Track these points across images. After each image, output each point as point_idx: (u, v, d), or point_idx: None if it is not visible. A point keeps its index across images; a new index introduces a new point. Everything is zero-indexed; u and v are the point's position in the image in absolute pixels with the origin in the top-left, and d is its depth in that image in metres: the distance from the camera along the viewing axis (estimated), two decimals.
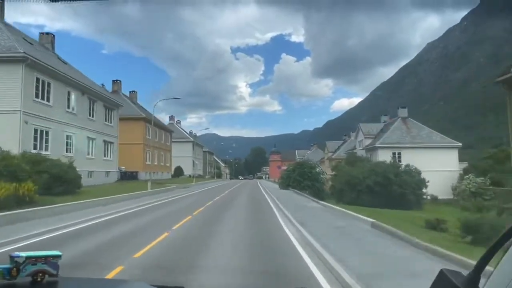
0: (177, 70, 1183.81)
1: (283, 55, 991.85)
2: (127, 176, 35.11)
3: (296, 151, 72.63)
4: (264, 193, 31.00)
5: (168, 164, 51.80)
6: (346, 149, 61.65)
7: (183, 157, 58.30)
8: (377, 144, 40.80)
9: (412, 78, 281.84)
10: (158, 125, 47.02)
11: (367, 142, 45.87)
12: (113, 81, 44.41)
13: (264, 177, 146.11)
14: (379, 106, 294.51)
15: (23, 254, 1.36)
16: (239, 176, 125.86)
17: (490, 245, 0.82)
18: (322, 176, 39.25)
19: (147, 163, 40.90)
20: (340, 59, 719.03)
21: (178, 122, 70.69)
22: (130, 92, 47.65)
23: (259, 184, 50.37)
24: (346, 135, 72.01)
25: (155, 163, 44.00)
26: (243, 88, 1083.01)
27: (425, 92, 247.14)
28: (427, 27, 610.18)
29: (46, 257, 1.39)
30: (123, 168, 35.33)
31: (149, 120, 39.11)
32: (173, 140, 54.14)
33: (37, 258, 1.37)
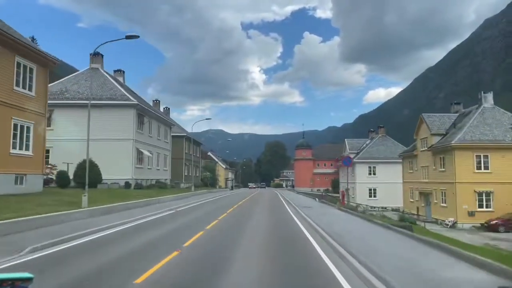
0: (174, 51, 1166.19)
1: (306, 34, 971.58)
2: None
3: (346, 141, 61.79)
4: None
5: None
6: None
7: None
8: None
9: (466, 62, 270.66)
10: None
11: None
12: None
13: (285, 184, 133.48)
14: (424, 96, 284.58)
15: None
16: (248, 184, 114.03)
17: None
18: None
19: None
20: (376, 39, 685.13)
21: (167, 109, 60.94)
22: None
23: (288, 209, 28.95)
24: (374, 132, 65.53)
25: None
26: (256, 74, 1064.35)
27: (484, 78, 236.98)
28: (482, 1, 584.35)
29: (14, 280, 1.49)
30: None
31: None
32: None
33: (3, 281, 1.47)
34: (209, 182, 70.01)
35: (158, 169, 43.14)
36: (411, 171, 43.09)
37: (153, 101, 56.01)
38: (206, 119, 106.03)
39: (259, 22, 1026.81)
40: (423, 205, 39.88)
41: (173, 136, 50.45)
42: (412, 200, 42.88)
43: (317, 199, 39.55)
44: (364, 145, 59.18)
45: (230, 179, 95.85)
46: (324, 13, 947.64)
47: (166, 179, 45.22)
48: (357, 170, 55.05)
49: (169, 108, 60.06)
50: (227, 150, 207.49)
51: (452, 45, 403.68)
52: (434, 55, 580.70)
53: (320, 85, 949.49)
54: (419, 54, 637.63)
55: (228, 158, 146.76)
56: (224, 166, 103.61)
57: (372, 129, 64.58)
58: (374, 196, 53.93)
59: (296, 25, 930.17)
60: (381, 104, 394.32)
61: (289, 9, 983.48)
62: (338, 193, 74.65)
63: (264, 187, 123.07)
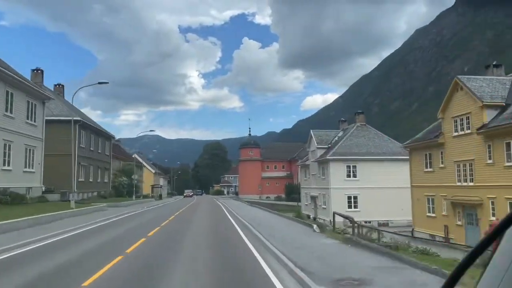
0: (107, 53, 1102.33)
1: (245, 40, 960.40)
2: None
3: (312, 132, 43.99)
4: None
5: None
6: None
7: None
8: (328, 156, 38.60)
9: (399, 70, 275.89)
10: None
11: (321, 152, 42.51)
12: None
13: (227, 191, 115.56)
14: (360, 103, 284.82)
15: None
16: (185, 191, 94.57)
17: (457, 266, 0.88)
18: None
19: None
20: (313, 46, 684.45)
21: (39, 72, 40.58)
22: None
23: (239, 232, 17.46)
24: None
25: None
26: (195, 78, 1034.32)
27: (415, 86, 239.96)
28: (413, 11, 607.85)
29: None
30: None
31: None
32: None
33: None
34: (126, 190, 50.38)
35: (9, 170, 23.75)
36: (430, 169, 27.39)
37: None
38: (150, 130, 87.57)
39: (197, 26, 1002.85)
40: (459, 223, 24.24)
41: (54, 120, 31.18)
42: (432, 214, 27.13)
43: (314, 227, 19.24)
44: (336, 138, 43.22)
45: (157, 186, 75.71)
46: (263, 19, 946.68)
47: (30, 187, 25.91)
48: (331, 171, 38.80)
49: (42, 71, 37.00)
50: (163, 155, 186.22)
51: (386, 53, 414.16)
52: (369, 63, 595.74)
53: (260, 90, 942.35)
54: (355, 61, 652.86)
55: (164, 164, 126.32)
56: (153, 171, 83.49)
57: (343, 119, 48.95)
58: (355, 207, 37.99)
59: (235, 30, 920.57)
60: (319, 110, 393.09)
61: (228, 14, 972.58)
62: (294, 201, 58.46)
63: (201, 194, 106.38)
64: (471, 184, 22.91)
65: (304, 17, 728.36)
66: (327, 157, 38.90)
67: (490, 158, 21.41)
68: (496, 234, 0.83)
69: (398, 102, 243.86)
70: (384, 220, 36.43)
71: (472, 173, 22.92)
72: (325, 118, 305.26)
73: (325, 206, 40.27)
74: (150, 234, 15.95)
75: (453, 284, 0.92)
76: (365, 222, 38.70)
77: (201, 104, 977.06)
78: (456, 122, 24.26)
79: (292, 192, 64.12)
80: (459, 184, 24.04)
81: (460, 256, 13.63)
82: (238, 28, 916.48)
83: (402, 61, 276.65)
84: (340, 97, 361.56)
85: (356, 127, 42.14)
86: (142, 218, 24.87)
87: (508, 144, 20.27)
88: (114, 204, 35.76)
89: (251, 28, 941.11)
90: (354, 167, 38.75)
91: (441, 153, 25.84)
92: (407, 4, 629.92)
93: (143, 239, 14.20)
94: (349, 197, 38.27)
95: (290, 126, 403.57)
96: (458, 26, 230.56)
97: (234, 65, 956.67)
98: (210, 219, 24.76)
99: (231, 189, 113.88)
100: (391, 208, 35.77)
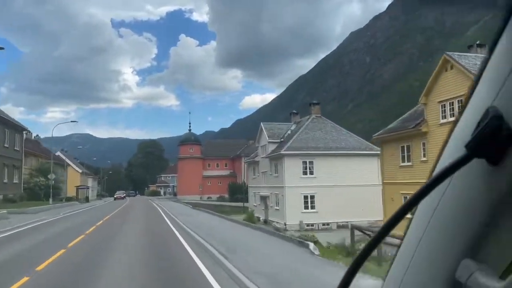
0: (32, 45, 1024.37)
1: (182, 37, 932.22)
2: None
3: (263, 125, 38.31)
4: None
5: None
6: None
7: None
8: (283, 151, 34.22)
9: (335, 71, 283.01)
10: None
11: (272, 147, 38.16)
12: None
13: (164, 191, 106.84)
14: (297, 103, 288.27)
15: None
16: (117, 192, 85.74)
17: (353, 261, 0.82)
18: None
19: None
20: (251, 46, 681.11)
21: None
22: None
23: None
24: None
25: None
26: (129, 75, 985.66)
27: (350, 88, 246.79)
28: (349, 14, 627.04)
29: None
30: None
31: None
32: None
33: None
34: (44, 192, 42.09)
35: None
36: (409, 163, 23.46)
37: None
38: (72, 121, 75.66)
39: (131, 20, 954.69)
40: None
41: None
42: (410, 216, 23.37)
43: (311, 246, 12.96)
44: (289, 131, 38.62)
45: (83, 187, 66.53)
46: (201, 16, 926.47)
47: None
48: (286, 167, 34.07)
49: None
50: (94, 154, 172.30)
51: (322, 55, 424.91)
52: (306, 64, 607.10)
53: (197, 89, 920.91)
54: (293, 62, 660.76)
55: (94, 164, 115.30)
56: (80, 171, 74.04)
57: (294, 111, 44.53)
58: (312, 208, 33.62)
59: (172, 27, 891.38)
60: (257, 109, 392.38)
61: (164, 9, 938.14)
62: (238, 201, 53.27)
63: (134, 195, 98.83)
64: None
65: (242, 16, 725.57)
66: (281, 152, 34.10)
67: None
68: (404, 211, 0.71)
69: (334, 103, 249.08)
70: (344, 222, 32.40)
71: None
72: (264, 118, 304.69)
73: (277, 207, 35.52)
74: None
75: (357, 268, 0.81)
76: (323, 224, 34.74)
77: (135, 102, 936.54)
78: (444, 107, 20.45)
79: (236, 192, 58.83)
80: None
81: None
82: (175, 25, 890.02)
83: (337, 63, 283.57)
84: (278, 96, 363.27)
85: (312, 119, 37.75)
86: (31, 239, 15.34)
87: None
88: (21, 211, 28.24)
89: (188, 25, 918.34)
90: (311, 163, 34.34)
91: (423, 144, 21.98)
92: (343, 6, 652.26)
93: None
94: (306, 197, 33.79)
95: (228, 126, 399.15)
96: (391, 30, 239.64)
97: (170, 62, 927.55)
98: (146, 235, 17.97)
99: (168, 190, 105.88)
100: (352, 208, 31.83)
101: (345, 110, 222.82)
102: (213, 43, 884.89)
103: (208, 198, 69.37)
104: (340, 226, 31.86)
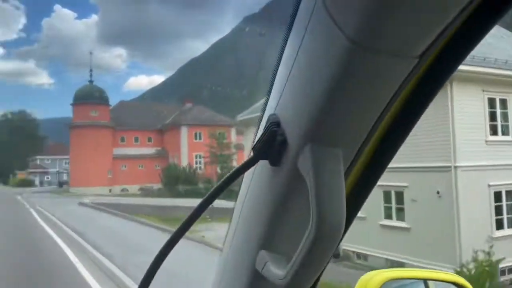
0: None
1: (57, 8, 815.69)
2: None
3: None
4: None
5: None
6: None
7: None
8: None
9: (230, 55, 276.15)
10: None
11: None
12: None
13: (40, 181, 76.45)
14: (191, 85, 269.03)
15: None
16: None
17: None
18: None
19: None
20: (138, 24, 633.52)
21: None
22: None
23: None
24: None
25: None
26: None
27: (248, 71, 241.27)
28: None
29: None
30: None
31: None
32: None
33: None
34: None
35: None
36: None
37: None
38: None
39: None
40: None
41: None
42: None
43: None
44: None
45: None
46: None
47: None
48: None
49: None
50: None
51: (215, 38, 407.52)
52: (199, 47, 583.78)
53: (75, 66, 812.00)
54: (184, 44, 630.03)
55: None
56: None
57: None
58: None
59: None
60: (145, 91, 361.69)
61: None
62: (187, 196, 29.74)
63: None
64: None
65: None
66: None
67: None
68: (201, 209, 0.71)
69: (229, 87, 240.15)
70: None
71: None
72: (153, 100, 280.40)
73: None
74: None
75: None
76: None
77: None
78: None
79: (178, 181, 35.99)
80: None
81: None
82: None
83: (233, 47, 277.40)
84: (169, 78, 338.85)
85: None
86: None
87: None
88: None
89: None
90: None
91: None
92: None
93: None
94: None
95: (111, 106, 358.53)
96: (287, 12, 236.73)
97: (43, 35, 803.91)
98: None
99: (47, 178, 75.74)
100: None
101: (241, 94, 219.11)
102: (95, 17, 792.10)
103: (123, 190, 44.67)
104: None
